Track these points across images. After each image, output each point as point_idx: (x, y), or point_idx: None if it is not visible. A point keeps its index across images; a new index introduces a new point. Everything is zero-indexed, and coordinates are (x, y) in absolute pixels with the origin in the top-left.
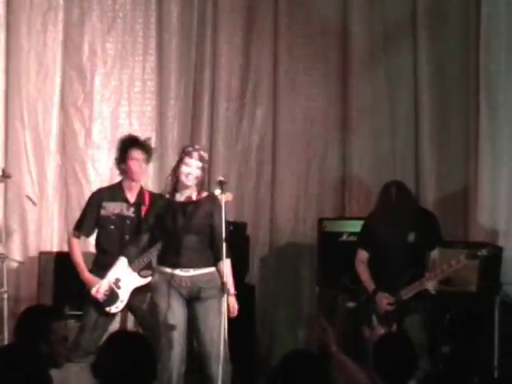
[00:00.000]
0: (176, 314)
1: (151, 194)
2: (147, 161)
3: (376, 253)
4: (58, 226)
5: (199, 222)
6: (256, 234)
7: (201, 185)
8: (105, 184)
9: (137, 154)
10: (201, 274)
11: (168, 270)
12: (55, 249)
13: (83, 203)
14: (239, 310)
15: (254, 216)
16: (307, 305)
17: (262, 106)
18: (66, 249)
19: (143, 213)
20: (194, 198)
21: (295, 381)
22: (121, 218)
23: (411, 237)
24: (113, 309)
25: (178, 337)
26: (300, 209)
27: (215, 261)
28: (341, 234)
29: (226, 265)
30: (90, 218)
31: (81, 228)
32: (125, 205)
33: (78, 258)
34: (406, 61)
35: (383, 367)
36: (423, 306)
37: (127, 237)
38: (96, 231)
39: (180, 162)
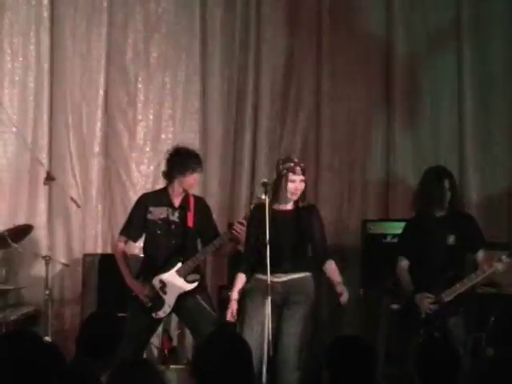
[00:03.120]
0: (260, 318)
1: (196, 198)
2: None
3: (416, 256)
4: (101, 227)
5: (297, 230)
6: None
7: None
8: (148, 186)
9: (199, 175)
10: (292, 279)
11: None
12: (99, 251)
13: (127, 205)
14: None
15: None
16: (350, 306)
17: (305, 107)
18: (109, 251)
19: (189, 217)
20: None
21: (342, 366)
22: (166, 222)
23: (451, 239)
24: (160, 313)
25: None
26: (344, 211)
27: (317, 264)
28: (385, 235)
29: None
30: (136, 222)
31: (127, 233)
32: (170, 209)
33: (123, 263)
34: (450, 64)
35: (425, 371)
36: (465, 308)
37: (173, 242)
38: (143, 236)
39: (285, 178)
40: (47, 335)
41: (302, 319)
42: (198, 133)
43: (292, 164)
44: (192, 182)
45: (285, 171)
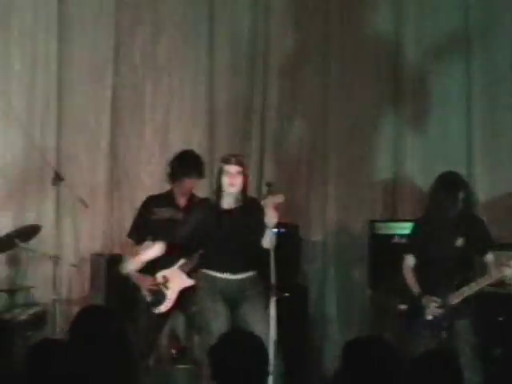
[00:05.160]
0: (220, 318)
1: (200, 200)
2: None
3: (424, 257)
4: (109, 228)
5: (244, 226)
6: (307, 236)
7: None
8: (156, 186)
9: (198, 180)
10: (245, 278)
11: (214, 273)
12: (107, 251)
13: (135, 205)
14: (291, 311)
15: (306, 218)
16: (358, 307)
17: (314, 107)
18: (117, 251)
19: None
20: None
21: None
22: (172, 222)
23: (460, 241)
24: (161, 308)
25: None
26: (351, 210)
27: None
28: (392, 236)
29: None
30: (140, 225)
31: (133, 236)
32: (175, 210)
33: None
34: (459, 64)
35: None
36: (472, 310)
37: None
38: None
39: (220, 170)
40: (55, 335)
41: (265, 310)
42: (206, 133)
43: (227, 156)
44: (189, 186)
45: (220, 164)
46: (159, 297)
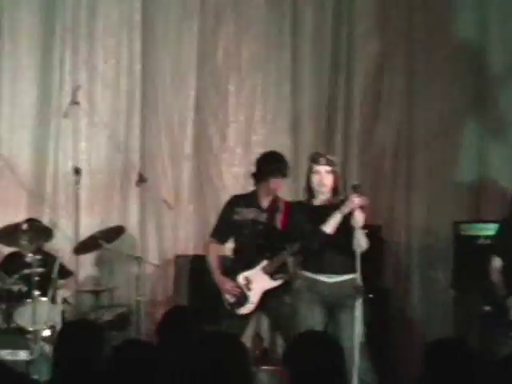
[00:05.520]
0: (315, 320)
1: (289, 203)
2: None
3: (509, 258)
4: (193, 229)
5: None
6: (391, 237)
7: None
8: (239, 187)
9: (283, 180)
10: (344, 281)
11: (313, 275)
12: (191, 252)
13: (218, 206)
14: (374, 312)
15: (389, 219)
16: (441, 308)
17: (397, 108)
18: (201, 252)
19: (278, 219)
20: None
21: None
22: (254, 223)
23: None
24: (243, 310)
25: None
26: (435, 211)
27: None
28: (477, 237)
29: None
30: (224, 225)
31: (216, 235)
32: (258, 210)
33: (213, 261)
34: None
35: None
36: None
37: (260, 242)
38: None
39: (309, 169)
40: (139, 335)
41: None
42: (289, 134)
43: (316, 155)
44: (274, 187)
45: (309, 162)
46: (241, 298)
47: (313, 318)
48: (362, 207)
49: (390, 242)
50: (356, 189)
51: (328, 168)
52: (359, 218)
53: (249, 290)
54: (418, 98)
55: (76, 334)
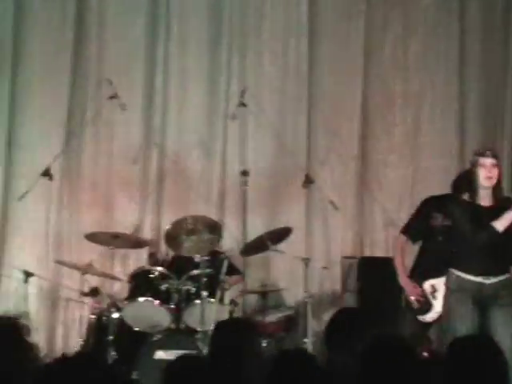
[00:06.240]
0: (467, 320)
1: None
2: None
3: None
4: (359, 230)
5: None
6: None
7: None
8: (405, 189)
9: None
10: (499, 282)
11: (467, 276)
12: (358, 253)
13: (384, 207)
14: None
15: None
16: None
17: None
18: (367, 253)
19: None
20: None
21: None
22: (447, 229)
23: None
24: (426, 317)
25: None
26: None
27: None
28: None
29: None
30: (418, 225)
31: (407, 232)
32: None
33: (399, 262)
34: None
35: None
36: None
37: (453, 250)
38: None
39: (474, 164)
40: (306, 337)
41: None
42: (456, 135)
43: (482, 149)
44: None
45: (474, 157)
46: (426, 306)
47: (463, 317)
48: None
49: None
50: None
51: (494, 161)
52: None
53: (434, 298)
54: None
55: (228, 330)
